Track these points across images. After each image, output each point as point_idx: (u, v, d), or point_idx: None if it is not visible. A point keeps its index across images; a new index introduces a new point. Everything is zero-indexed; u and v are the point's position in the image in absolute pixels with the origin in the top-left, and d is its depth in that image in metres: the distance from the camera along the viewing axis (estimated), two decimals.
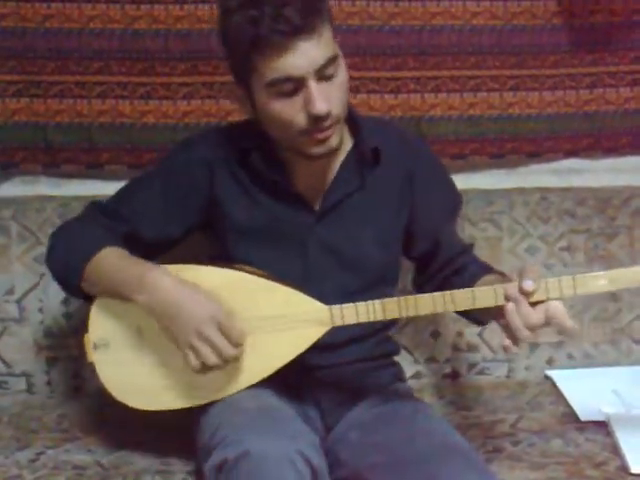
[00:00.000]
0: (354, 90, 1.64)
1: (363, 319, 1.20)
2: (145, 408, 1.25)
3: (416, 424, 1.24)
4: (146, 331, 1.24)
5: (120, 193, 1.37)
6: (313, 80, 1.14)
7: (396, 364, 1.44)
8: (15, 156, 1.70)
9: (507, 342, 1.13)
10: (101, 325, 1.26)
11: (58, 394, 1.61)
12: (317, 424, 1.31)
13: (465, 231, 1.66)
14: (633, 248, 1.72)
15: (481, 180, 1.80)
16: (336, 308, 1.20)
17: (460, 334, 1.67)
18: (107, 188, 1.67)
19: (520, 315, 1.12)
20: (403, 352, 1.60)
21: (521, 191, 1.74)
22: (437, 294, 1.18)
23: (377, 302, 1.19)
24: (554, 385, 1.62)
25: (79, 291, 1.29)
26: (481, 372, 1.68)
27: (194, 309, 1.17)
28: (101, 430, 1.45)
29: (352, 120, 1.29)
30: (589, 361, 1.69)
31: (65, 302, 1.62)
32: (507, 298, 1.13)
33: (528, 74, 1.75)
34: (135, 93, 1.67)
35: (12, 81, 1.65)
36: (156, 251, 1.34)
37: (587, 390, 1.56)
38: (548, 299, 1.13)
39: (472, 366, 1.68)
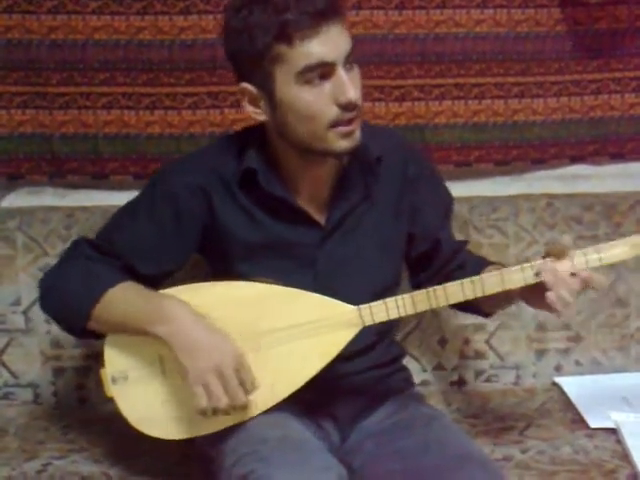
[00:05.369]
0: None
1: (393, 315, 1.19)
2: (172, 438, 1.22)
3: (431, 433, 1.23)
4: (168, 359, 1.20)
5: (108, 228, 1.30)
6: (341, 67, 1.14)
7: (406, 368, 1.44)
8: (21, 167, 1.70)
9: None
10: (118, 358, 1.22)
11: (64, 405, 1.61)
12: (332, 436, 1.30)
13: (471, 238, 1.65)
14: None
15: (486, 187, 1.80)
16: (365, 307, 1.19)
17: (467, 341, 1.66)
18: (112, 198, 1.69)
19: (562, 283, 1.15)
20: (410, 360, 1.60)
21: (527, 197, 1.74)
22: (466, 280, 1.17)
23: (406, 296, 1.18)
24: (562, 392, 1.61)
25: (84, 332, 1.25)
26: (488, 379, 1.67)
27: (215, 346, 1.15)
28: (107, 440, 1.45)
29: None
30: (597, 368, 1.68)
31: None
32: (538, 273, 1.16)
33: (533, 81, 1.75)
34: (140, 103, 1.68)
35: (18, 92, 1.66)
36: (155, 282, 1.28)
37: (596, 397, 1.55)
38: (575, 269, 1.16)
39: (479, 373, 1.67)
